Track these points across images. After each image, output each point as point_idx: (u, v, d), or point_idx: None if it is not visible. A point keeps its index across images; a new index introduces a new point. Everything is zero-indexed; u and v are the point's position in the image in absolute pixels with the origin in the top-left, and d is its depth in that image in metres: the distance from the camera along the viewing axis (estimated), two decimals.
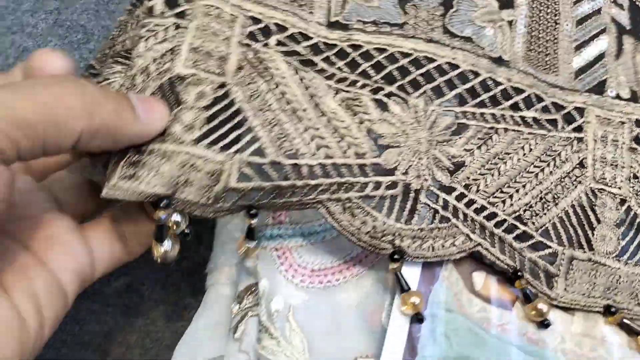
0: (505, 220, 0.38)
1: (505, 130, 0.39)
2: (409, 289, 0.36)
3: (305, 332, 0.36)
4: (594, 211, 0.39)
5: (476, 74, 0.40)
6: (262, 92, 0.36)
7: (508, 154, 0.39)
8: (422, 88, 0.39)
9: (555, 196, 0.39)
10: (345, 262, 0.38)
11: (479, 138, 0.39)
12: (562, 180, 0.39)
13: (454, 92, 0.39)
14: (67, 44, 0.54)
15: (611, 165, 0.40)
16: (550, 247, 0.38)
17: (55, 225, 0.34)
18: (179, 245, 0.35)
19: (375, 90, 0.38)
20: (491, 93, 0.40)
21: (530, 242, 0.38)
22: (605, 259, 0.38)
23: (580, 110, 0.41)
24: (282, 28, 0.38)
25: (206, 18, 0.37)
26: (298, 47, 0.38)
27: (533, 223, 0.38)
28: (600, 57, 0.43)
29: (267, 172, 0.34)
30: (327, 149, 0.36)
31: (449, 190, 0.37)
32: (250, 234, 0.36)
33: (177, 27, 0.36)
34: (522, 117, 0.40)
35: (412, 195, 0.36)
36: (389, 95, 0.38)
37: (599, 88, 0.42)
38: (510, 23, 0.42)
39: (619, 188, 0.40)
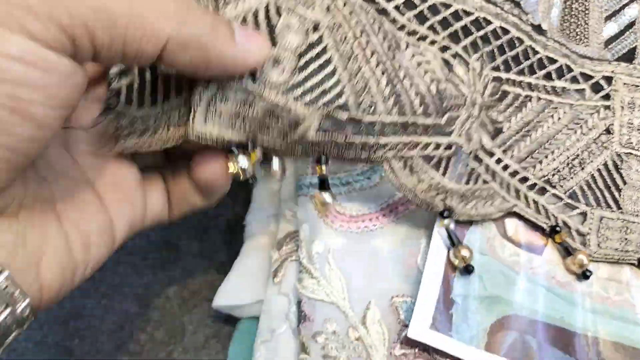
0: (536, 184, 0.40)
1: (538, 98, 0.41)
2: (460, 243, 0.38)
3: (343, 273, 0.38)
4: (620, 174, 0.41)
5: (521, 41, 0.42)
6: (350, 39, 0.35)
7: (539, 122, 0.41)
8: (480, 51, 0.40)
9: (582, 161, 0.41)
10: (382, 209, 0.40)
11: (515, 106, 0.41)
12: (589, 146, 0.41)
13: (502, 58, 0.41)
14: None
15: (638, 130, 0.42)
16: (578, 207, 0.40)
17: (123, 171, 0.34)
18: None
19: (443, 49, 0.39)
20: (529, 62, 0.42)
21: (560, 204, 0.40)
22: (634, 217, 0.40)
23: (608, 79, 0.43)
24: None
25: None
26: None
27: (561, 186, 0.40)
28: (630, 25, 0.44)
29: (345, 127, 0.35)
30: (401, 106, 0.36)
31: (490, 154, 0.39)
32: (323, 184, 0.37)
33: None
34: (553, 87, 0.42)
35: (463, 157, 0.39)
36: (455, 55, 0.39)
37: (629, 56, 0.44)
38: None
39: None
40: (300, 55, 0.34)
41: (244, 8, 0.33)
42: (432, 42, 0.39)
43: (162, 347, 0.44)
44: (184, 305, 0.46)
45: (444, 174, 0.38)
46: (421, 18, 0.39)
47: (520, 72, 0.41)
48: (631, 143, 0.41)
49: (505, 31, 0.41)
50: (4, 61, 0.24)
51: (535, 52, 0.42)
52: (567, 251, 0.39)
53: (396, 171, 0.37)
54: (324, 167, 0.36)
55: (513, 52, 0.41)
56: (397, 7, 0.38)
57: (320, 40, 0.34)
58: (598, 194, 0.40)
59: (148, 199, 0.36)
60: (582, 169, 0.40)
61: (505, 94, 0.41)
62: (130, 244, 0.46)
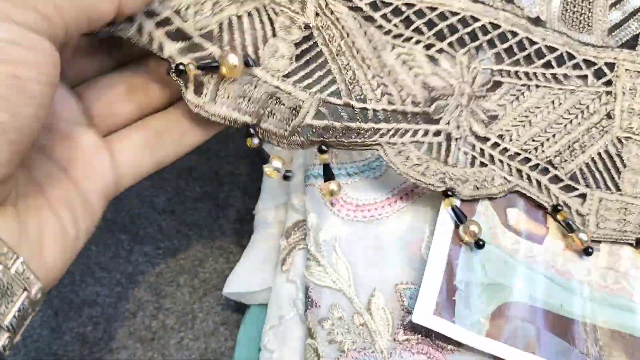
0: (538, 164, 0.41)
1: (537, 86, 0.42)
2: (467, 218, 0.39)
3: (349, 261, 0.39)
4: (620, 157, 0.42)
5: (514, 34, 0.43)
6: (337, 39, 0.39)
7: (538, 107, 0.42)
8: (467, 46, 0.42)
9: (583, 144, 0.42)
10: (388, 198, 0.41)
11: (511, 94, 0.42)
12: (590, 130, 0.42)
13: (493, 51, 0.42)
14: None
15: (638, 115, 0.43)
16: (578, 189, 0.41)
17: (81, 142, 0.35)
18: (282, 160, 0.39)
19: (427, 47, 0.41)
20: (526, 52, 0.43)
21: (561, 185, 0.41)
22: (633, 199, 0.41)
23: (611, 65, 0.44)
24: None
25: None
26: (360, 3, 0.41)
27: (562, 168, 0.41)
28: (635, 12, 0.45)
29: (340, 112, 0.38)
30: (389, 96, 0.39)
31: (484, 140, 0.41)
32: (327, 173, 0.39)
33: None
34: (554, 75, 0.43)
35: (453, 143, 0.40)
36: (440, 51, 0.42)
37: (632, 42, 0.45)
38: None
39: None
40: (297, 45, 0.38)
41: (245, 9, 0.37)
42: (417, 42, 0.41)
43: (173, 334, 0.45)
44: (194, 293, 0.47)
45: (437, 158, 0.39)
46: (407, 22, 0.41)
47: (515, 63, 0.42)
48: (632, 127, 0.42)
49: (495, 26, 0.43)
50: (2, 44, 0.27)
51: (533, 43, 0.43)
52: (570, 228, 0.39)
53: (390, 156, 0.39)
54: (325, 156, 0.38)
55: (505, 45, 0.42)
56: (383, 15, 0.41)
57: (311, 35, 0.38)
58: (598, 176, 0.41)
59: (120, 159, 0.36)
60: (583, 152, 0.42)
61: (498, 84, 0.42)
62: (143, 233, 0.48)
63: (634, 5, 0.45)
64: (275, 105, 0.37)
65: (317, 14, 0.39)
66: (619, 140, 0.42)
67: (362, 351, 0.37)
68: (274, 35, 0.38)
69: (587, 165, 0.42)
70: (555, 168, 0.41)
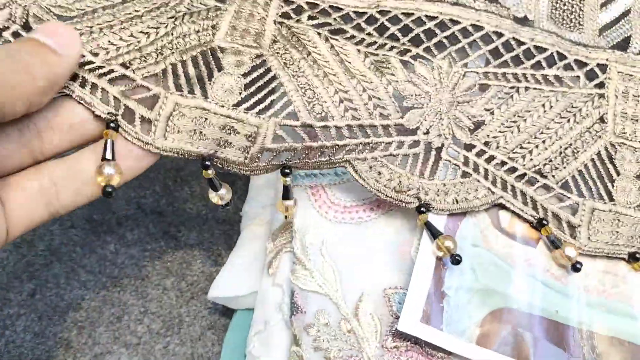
0: (525, 174, 0.39)
1: (526, 88, 0.41)
2: (441, 233, 0.37)
3: (337, 264, 0.38)
4: (613, 164, 0.40)
5: (500, 35, 0.41)
6: (296, 60, 0.38)
7: (528, 111, 0.40)
8: (446, 50, 0.41)
9: (575, 150, 0.40)
10: (376, 199, 0.40)
11: (499, 97, 0.40)
12: (582, 135, 0.40)
13: (477, 53, 0.41)
14: None
15: (632, 119, 0.41)
16: (570, 198, 0.39)
17: None
18: (230, 189, 0.38)
19: (402, 52, 0.40)
20: (514, 53, 0.41)
21: (551, 194, 0.39)
22: (627, 209, 0.39)
23: (603, 67, 0.42)
24: (313, 4, 0.40)
25: (243, 3, 0.40)
26: (329, 18, 0.40)
27: (553, 176, 0.39)
28: (626, 13, 0.44)
29: (299, 133, 0.37)
30: (354, 111, 0.38)
31: (469, 147, 0.39)
32: (286, 194, 0.38)
33: (218, 9, 0.39)
34: (544, 76, 0.41)
35: (433, 152, 0.38)
36: (415, 57, 0.40)
37: (623, 44, 0.43)
38: None
39: (639, 142, 0.41)
40: (246, 75, 0.37)
41: (190, 54, 0.38)
42: (392, 48, 0.40)
43: (159, 339, 0.44)
44: (181, 296, 0.46)
45: (412, 171, 0.38)
46: (381, 29, 0.40)
47: (502, 65, 0.41)
48: (625, 133, 0.41)
49: (478, 28, 0.41)
50: None
51: (521, 43, 0.41)
52: (554, 244, 0.38)
53: (361, 172, 0.37)
54: (287, 179, 0.37)
55: (490, 47, 0.41)
56: (355, 26, 0.40)
57: (263, 62, 0.38)
58: (591, 184, 0.39)
59: (11, 208, 0.34)
60: (575, 158, 0.40)
61: (485, 87, 0.40)
62: (129, 235, 0.47)
63: (625, 5, 0.44)
64: (229, 134, 0.36)
65: (274, 41, 0.39)
66: (613, 146, 0.40)
67: (349, 359, 0.36)
68: (220, 70, 0.37)
69: (580, 172, 0.40)
70: (545, 177, 0.39)
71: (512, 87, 0.41)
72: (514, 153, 0.39)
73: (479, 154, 0.39)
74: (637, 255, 0.38)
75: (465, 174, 0.38)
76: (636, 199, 0.39)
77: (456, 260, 0.36)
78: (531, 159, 0.39)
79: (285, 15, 0.40)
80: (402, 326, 0.35)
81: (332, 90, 0.38)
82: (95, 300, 0.45)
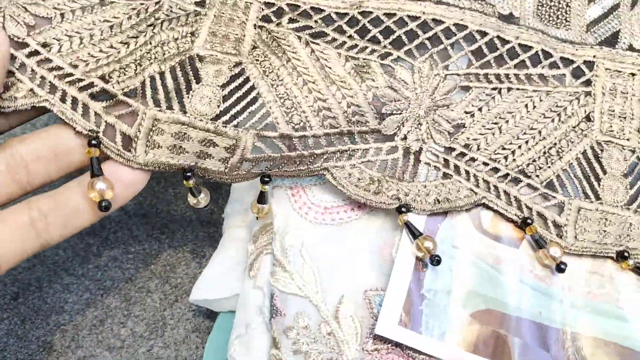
0: (508, 174, 0.38)
1: (509, 89, 0.40)
2: (421, 234, 0.36)
3: (317, 266, 0.37)
4: (599, 162, 0.39)
5: (484, 34, 0.41)
6: (275, 68, 0.38)
7: (511, 112, 0.40)
8: (428, 51, 0.40)
9: (560, 150, 0.39)
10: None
11: (480, 99, 0.40)
12: (567, 134, 0.40)
13: (459, 54, 0.40)
14: None
15: (619, 117, 0.40)
16: (555, 197, 0.38)
17: None
18: (209, 193, 0.40)
19: (383, 56, 0.40)
20: (497, 53, 0.40)
21: (535, 194, 0.38)
22: (614, 208, 0.38)
23: (590, 64, 0.41)
24: (294, 7, 0.40)
25: (223, 7, 0.40)
26: (309, 21, 0.40)
27: (537, 176, 0.39)
28: (614, 7, 0.43)
29: (278, 144, 0.37)
30: (333, 119, 0.38)
31: (448, 150, 0.39)
32: (261, 199, 0.38)
33: (197, 14, 0.39)
34: (528, 75, 0.40)
35: (412, 157, 0.38)
36: (396, 60, 0.40)
37: (611, 40, 0.42)
38: None
39: (628, 139, 0.40)
40: (224, 86, 0.37)
41: (168, 65, 0.38)
42: (373, 52, 0.39)
43: (142, 342, 0.44)
44: (165, 299, 0.45)
45: (391, 175, 0.38)
46: (362, 32, 0.40)
47: (485, 65, 0.40)
48: (612, 131, 0.40)
49: (462, 27, 0.40)
50: None
51: (505, 42, 0.41)
52: (538, 244, 0.37)
53: (340, 179, 0.37)
54: (266, 187, 0.38)
55: (473, 47, 0.40)
56: (337, 28, 0.40)
57: (242, 71, 0.38)
58: (576, 183, 0.39)
59: (1, 238, 0.35)
60: (560, 158, 0.39)
61: (466, 89, 0.40)
62: (113, 237, 0.46)
63: (613, 0, 0.43)
64: (209, 147, 0.37)
65: (254, 47, 0.39)
66: (599, 145, 0.40)
67: None
68: (198, 82, 0.37)
69: (565, 171, 0.39)
70: (529, 177, 0.38)
71: (494, 89, 0.40)
72: (495, 154, 0.39)
73: (459, 156, 0.38)
74: (626, 254, 0.38)
75: (446, 175, 0.38)
76: (623, 197, 0.39)
77: (436, 260, 0.35)
78: (514, 160, 0.39)
79: (266, 19, 0.39)
80: (380, 330, 0.34)
81: (311, 98, 0.38)
82: (78, 303, 0.45)
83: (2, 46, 0.34)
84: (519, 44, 0.41)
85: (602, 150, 0.39)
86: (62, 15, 0.38)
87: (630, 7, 0.43)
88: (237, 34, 0.39)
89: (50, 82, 0.37)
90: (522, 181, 0.38)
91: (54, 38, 0.37)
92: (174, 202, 0.49)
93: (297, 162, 0.37)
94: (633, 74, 0.41)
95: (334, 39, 0.40)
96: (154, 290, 0.45)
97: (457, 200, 0.37)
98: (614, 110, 0.40)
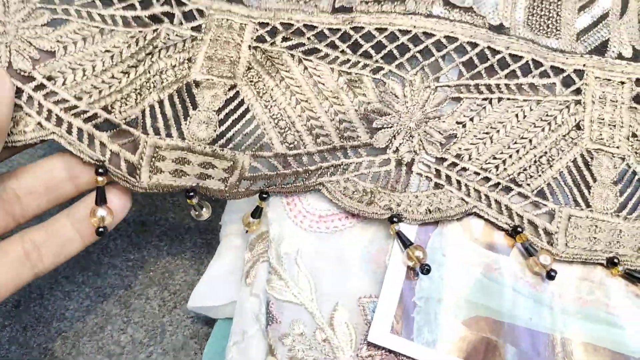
0: (499, 183, 0.39)
1: (500, 99, 0.41)
2: (411, 243, 0.37)
3: (312, 274, 0.38)
4: (589, 170, 0.40)
5: (474, 45, 0.41)
6: (269, 89, 0.40)
7: (501, 122, 0.40)
8: (420, 64, 0.41)
9: (550, 158, 0.40)
10: None
11: (471, 110, 0.40)
12: (557, 143, 0.40)
13: (450, 66, 0.41)
14: None
15: (609, 125, 0.41)
16: (546, 205, 0.39)
17: None
18: (210, 207, 0.41)
19: (375, 70, 0.40)
20: (488, 63, 0.41)
21: (526, 202, 0.39)
22: (604, 215, 0.39)
23: (580, 73, 0.42)
24: (287, 25, 0.41)
25: (219, 29, 0.41)
26: (302, 38, 0.41)
27: (528, 185, 0.39)
28: (603, 16, 0.43)
29: (273, 163, 0.39)
30: (326, 137, 0.39)
31: (440, 161, 0.39)
32: (255, 213, 0.40)
33: (194, 39, 0.40)
34: (518, 85, 0.41)
35: (404, 168, 0.39)
36: (388, 74, 0.40)
37: (601, 48, 0.43)
38: None
39: (617, 147, 0.40)
40: (219, 111, 0.39)
41: (167, 92, 0.39)
42: (365, 66, 0.40)
43: (142, 348, 0.44)
44: (164, 306, 0.46)
45: (383, 186, 0.39)
46: (354, 47, 0.41)
47: (476, 76, 0.41)
48: (602, 139, 0.40)
49: (452, 39, 0.41)
50: None
51: (496, 53, 0.41)
52: (529, 252, 0.38)
53: (334, 193, 0.39)
54: (264, 203, 0.39)
55: (464, 58, 0.41)
56: (330, 44, 0.41)
57: (237, 94, 0.39)
58: (567, 191, 0.39)
59: None
60: (551, 166, 0.40)
61: (457, 100, 0.40)
62: (112, 245, 0.47)
63: (603, 8, 0.43)
64: (208, 169, 0.39)
65: (248, 69, 0.40)
66: (589, 153, 0.40)
67: None
68: (195, 107, 0.39)
69: (556, 179, 0.39)
70: (520, 185, 0.39)
71: (485, 99, 0.40)
72: (487, 164, 0.39)
73: (451, 166, 0.39)
74: (615, 261, 0.38)
75: (437, 186, 0.39)
76: (613, 205, 0.39)
77: (426, 269, 0.36)
78: (505, 169, 0.39)
79: (260, 39, 0.41)
80: (372, 337, 0.35)
81: (305, 117, 0.39)
82: (78, 310, 0.46)
83: (7, 92, 0.35)
84: (510, 54, 0.41)
85: (592, 158, 0.40)
86: (65, 48, 0.39)
87: (619, 16, 0.43)
88: (232, 57, 0.40)
89: (56, 115, 0.38)
90: (513, 190, 0.39)
91: (58, 71, 0.38)
92: (172, 210, 0.49)
93: (293, 179, 0.39)
94: (622, 82, 0.42)
95: (327, 55, 0.40)
96: (152, 297, 0.46)
97: (449, 209, 0.38)
98: (603, 119, 0.41)
